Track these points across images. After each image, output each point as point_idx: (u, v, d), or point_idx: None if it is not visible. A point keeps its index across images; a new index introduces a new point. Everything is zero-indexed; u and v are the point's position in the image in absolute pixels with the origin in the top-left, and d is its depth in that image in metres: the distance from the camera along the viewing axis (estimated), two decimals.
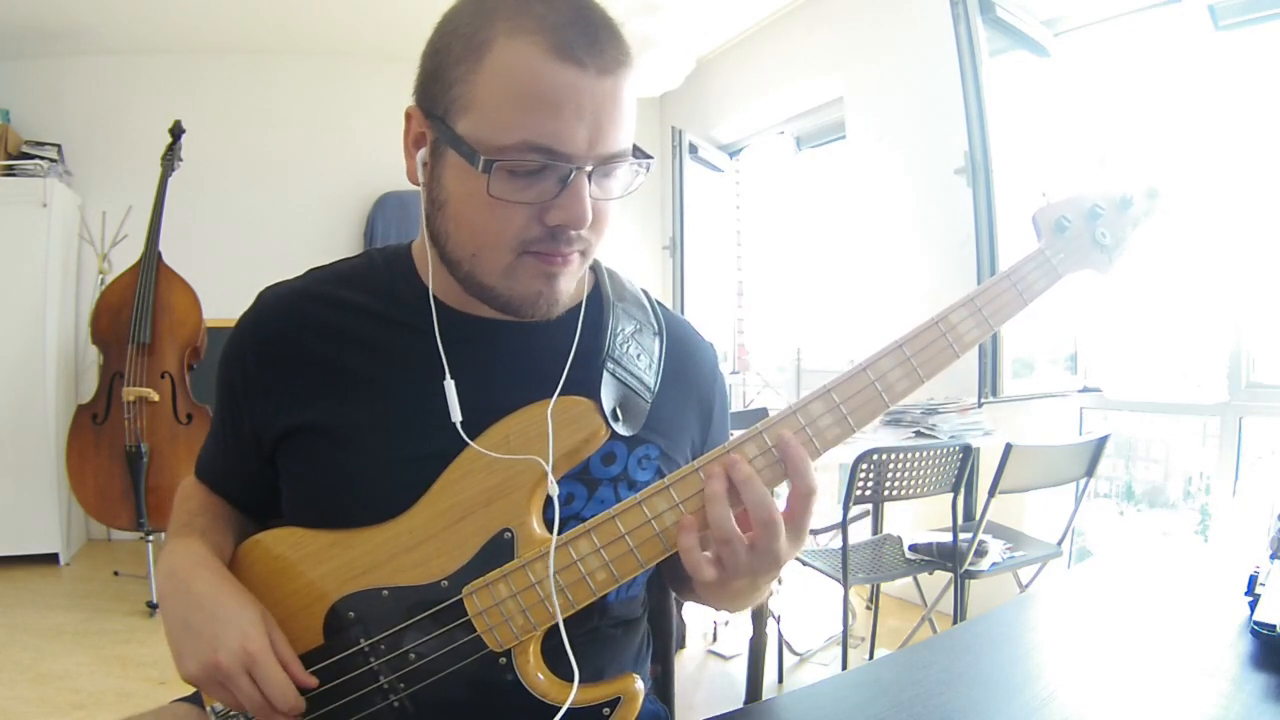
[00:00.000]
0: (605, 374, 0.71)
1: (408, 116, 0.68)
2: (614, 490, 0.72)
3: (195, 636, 0.64)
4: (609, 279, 0.80)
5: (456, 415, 0.67)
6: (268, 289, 0.77)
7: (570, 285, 0.69)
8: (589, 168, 0.62)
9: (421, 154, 0.67)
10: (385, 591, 0.66)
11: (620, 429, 0.70)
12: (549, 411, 0.66)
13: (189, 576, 0.67)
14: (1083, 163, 2.67)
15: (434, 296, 0.72)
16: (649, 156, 0.67)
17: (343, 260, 0.80)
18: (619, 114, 0.63)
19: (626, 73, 0.63)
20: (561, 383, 0.69)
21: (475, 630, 0.64)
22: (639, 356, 0.75)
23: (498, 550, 0.65)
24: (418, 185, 0.69)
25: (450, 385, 0.68)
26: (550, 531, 0.67)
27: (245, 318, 0.76)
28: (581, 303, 0.76)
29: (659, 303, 0.83)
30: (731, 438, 0.66)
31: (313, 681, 0.65)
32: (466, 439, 0.66)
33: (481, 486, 0.66)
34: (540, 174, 0.62)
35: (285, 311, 0.74)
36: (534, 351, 0.72)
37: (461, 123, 0.62)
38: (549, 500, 0.68)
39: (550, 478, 0.65)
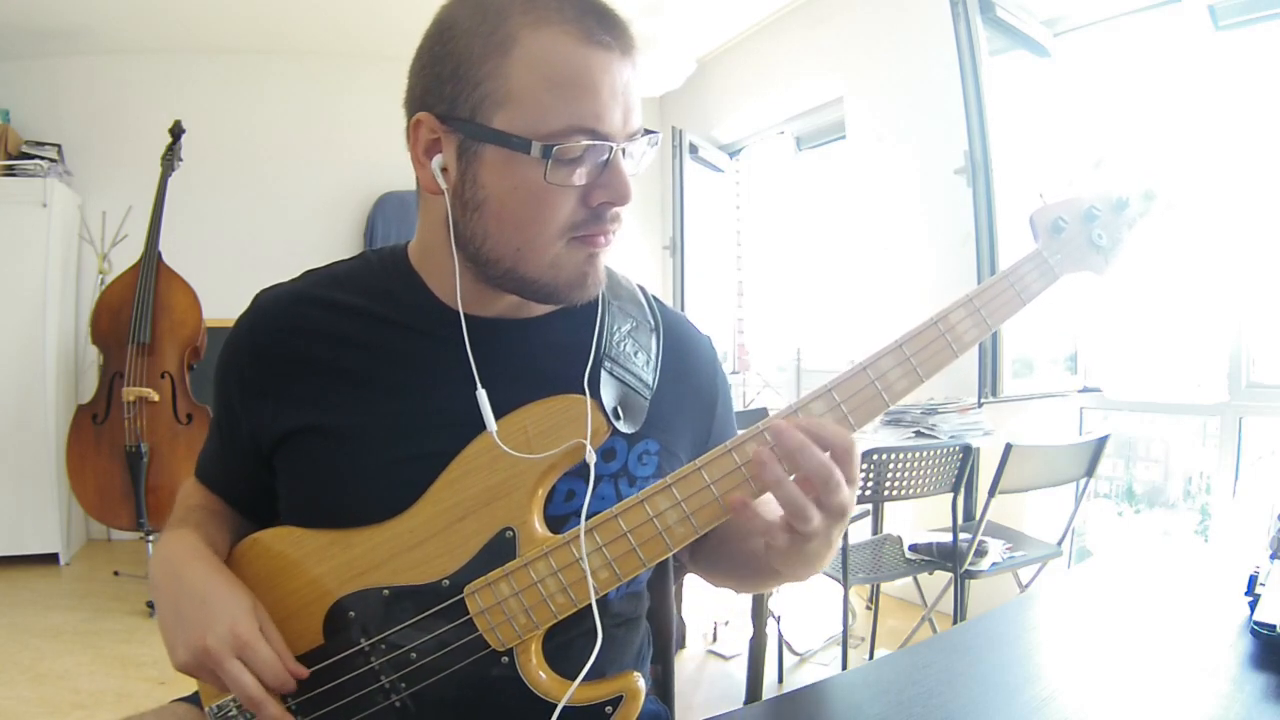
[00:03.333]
0: (603, 373, 0.72)
1: (416, 125, 0.67)
2: (614, 486, 0.72)
3: (186, 623, 0.64)
4: (607, 275, 0.80)
5: (492, 425, 0.67)
6: (263, 292, 0.77)
7: (607, 262, 0.72)
8: (624, 144, 0.65)
9: (437, 160, 0.66)
10: (386, 591, 0.66)
11: (622, 427, 0.70)
12: (585, 389, 0.68)
13: (181, 565, 0.68)
14: (1079, 164, 2.68)
15: (435, 299, 0.72)
16: (654, 131, 0.69)
17: (338, 262, 0.80)
18: (639, 91, 0.67)
19: (639, 51, 0.66)
20: (587, 374, 0.70)
21: (477, 629, 0.65)
22: (636, 354, 0.76)
23: (499, 549, 0.65)
24: (436, 193, 0.67)
25: (483, 394, 0.68)
26: (551, 530, 0.67)
27: (241, 321, 0.76)
28: (596, 300, 0.76)
29: (655, 298, 0.84)
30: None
31: (304, 672, 0.65)
32: (504, 447, 0.66)
33: (483, 485, 0.66)
34: (581, 158, 0.63)
35: (281, 314, 0.74)
36: (535, 349, 0.72)
37: (499, 117, 0.63)
38: (552, 498, 0.68)
39: (590, 451, 0.66)
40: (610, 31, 0.63)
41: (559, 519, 0.68)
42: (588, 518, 0.65)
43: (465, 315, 0.72)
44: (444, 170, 0.67)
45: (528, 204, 0.64)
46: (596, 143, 0.63)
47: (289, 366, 0.72)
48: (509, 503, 0.66)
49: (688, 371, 0.81)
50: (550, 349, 0.72)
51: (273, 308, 0.75)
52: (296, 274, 0.79)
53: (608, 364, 0.73)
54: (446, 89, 0.65)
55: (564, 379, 0.70)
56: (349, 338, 0.72)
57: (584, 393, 0.69)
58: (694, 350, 0.83)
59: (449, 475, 0.67)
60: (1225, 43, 2.39)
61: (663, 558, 0.64)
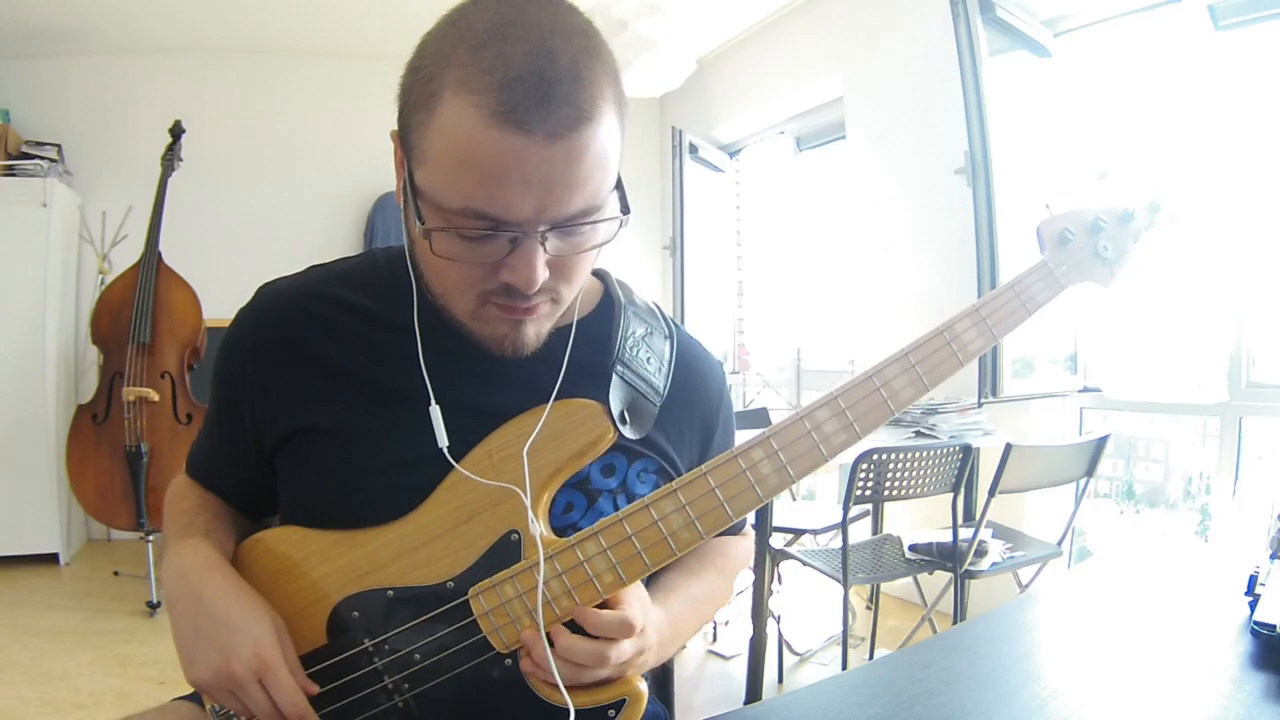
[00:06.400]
0: (614, 376, 0.71)
1: (393, 139, 0.66)
2: (612, 502, 0.73)
3: (207, 643, 0.63)
4: (619, 288, 0.80)
5: (443, 440, 0.67)
6: (266, 285, 0.76)
7: (544, 327, 0.68)
8: (541, 231, 0.59)
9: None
10: (390, 592, 0.66)
11: (628, 431, 0.70)
12: (526, 448, 0.66)
13: (199, 581, 0.66)
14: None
15: (432, 309, 0.72)
16: (627, 210, 0.63)
17: (344, 259, 0.79)
18: (578, 175, 0.58)
19: (588, 129, 0.57)
20: (552, 398, 0.68)
21: (481, 631, 0.65)
22: (649, 360, 0.75)
23: (504, 552, 0.65)
24: (400, 206, 0.67)
25: (436, 411, 0.68)
26: (557, 534, 0.67)
27: (244, 314, 0.75)
28: (573, 321, 0.75)
29: (671, 319, 0.83)
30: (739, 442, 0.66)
31: (314, 689, 0.65)
32: (455, 464, 0.66)
33: (487, 488, 0.66)
34: (484, 238, 0.59)
35: (285, 309, 0.73)
36: (536, 360, 0.70)
37: (418, 173, 0.61)
38: (551, 509, 0.68)
39: (529, 511, 0.65)
40: (539, 109, 0.55)
41: (558, 531, 0.68)
42: (580, 530, 0.65)
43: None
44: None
45: (436, 262, 0.63)
46: (496, 232, 0.59)
47: (292, 363, 0.71)
48: (514, 505, 0.66)
49: (695, 395, 0.80)
50: (552, 361, 0.71)
51: (276, 301, 0.74)
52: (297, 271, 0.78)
53: (620, 367, 0.72)
54: (400, 122, 0.63)
55: (571, 388, 0.69)
56: (353, 336, 0.72)
57: (588, 399, 0.68)
58: (704, 375, 0.82)
59: (454, 477, 0.67)
60: (1225, 43, 2.39)
61: (668, 561, 0.64)
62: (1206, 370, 2.40)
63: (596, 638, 0.63)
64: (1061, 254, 0.74)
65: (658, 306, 0.83)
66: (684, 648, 2.60)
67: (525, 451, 0.66)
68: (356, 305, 0.73)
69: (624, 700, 0.65)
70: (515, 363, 0.70)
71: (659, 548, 0.64)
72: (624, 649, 0.63)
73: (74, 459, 3.02)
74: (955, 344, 0.68)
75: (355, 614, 0.67)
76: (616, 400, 0.70)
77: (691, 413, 0.80)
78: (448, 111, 0.57)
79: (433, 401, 0.68)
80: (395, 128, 0.65)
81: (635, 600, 0.65)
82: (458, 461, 0.67)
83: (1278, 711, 0.68)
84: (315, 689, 0.65)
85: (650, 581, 0.75)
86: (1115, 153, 2.70)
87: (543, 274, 0.61)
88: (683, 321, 0.93)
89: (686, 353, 0.80)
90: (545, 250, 0.60)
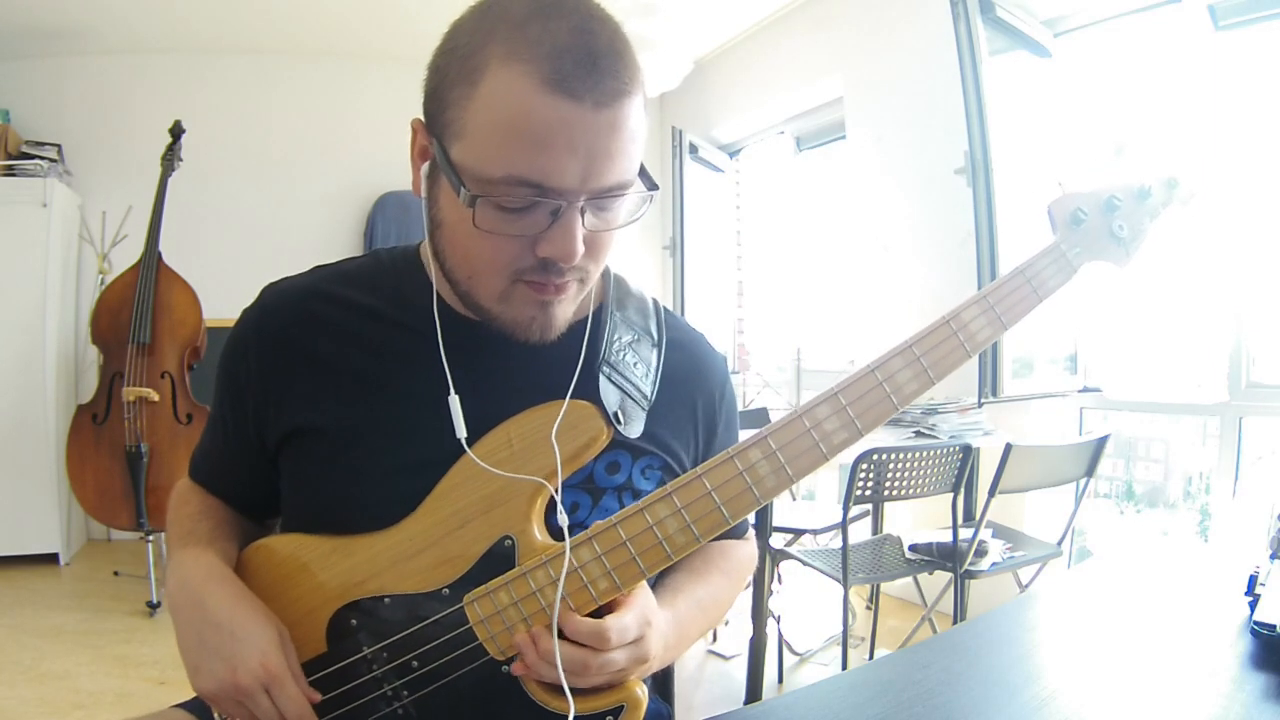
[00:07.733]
0: (602, 378, 0.71)
1: (414, 128, 0.66)
2: (618, 499, 0.72)
3: (212, 654, 0.63)
4: (615, 285, 0.79)
5: (461, 432, 0.67)
6: (271, 285, 0.76)
7: (568, 310, 0.68)
8: (581, 202, 0.60)
9: (425, 168, 0.66)
10: (387, 599, 0.66)
11: (624, 431, 0.70)
12: (554, 431, 0.65)
13: (203, 591, 0.66)
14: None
15: (441, 304, 0.72)
16: (655, 186, 0.65)
17: (349, 259, 0.79)
18: (617, 146, 0.60)
19: (628, 102, 0.59)
20: (569, 393, 0.68)
21: (477, 638, 0.64)
22: (635, 365, 0.75)
23: (499, 558, 0.65)
24: (420, 197, 0.67)
25: (455, 401, 0.68)
26: (552, 538, 0.66)
27: (249, 314, 0.75)
28: (588, 314, 0.75)
29: (668, 311, 0.82)
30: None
31: (317, 697, 0.65)
32: (472, 455, 0.66)
33: (481, 493, 0.66)
34: (531, 207, 0.60)
35: (290, 309, 0.73)
36: (539, 358, 0.71)
37: (455, 148, 0.61)
38: (552, 506, 0.68)
39: (558, 494, 0.65)
40: (587, 79, 0.57)
41: (561, 531, 0.68)
42: (588, 528, 0.64)
43: (472, 320, 0.71)
44: (427, 179, 0.66)
45: (471, 240, 0.63)
46: (539, 200, 0.59)
47: (296, 363, 0.71)
48: (507, 511, 0.66)
49: (693, 389, 0.80)
50: (555, 359, 0.71)
51: (281, 301, 0.74)
52: (301, 270, 0.78)
53: (606, 369, 0.72)
54: (430, 104, 0.64)
55: (561, 387, 0.69)
56: (357, 337, 0.72)
57: (586, 395, 0.68)
58: (703, 369, 0.82)
59: (448, 482, 0.67)
60: (1225, 43, 2.39)
61: (664, 566, 0.64)
62: (1206, 370, 2.40)
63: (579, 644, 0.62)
64: (1074, 235, 0.70)
65: (655, 303, 0.82)
66: None
67: (553, 436, 0.66)
68: (361, 305, 0.73)
69: (622, 707, 0.64)
70: (520, 361, 0.70)
71: (654, 553, 0.63)
72: (613, 658, 0.62)
73: (74, 459, 3.02)
74: (963, 334, 0.65)
75: (353, 621, 0.67)
76: (610, 401, 0.70)
77: (690, 408, 0.79)
78: (495, 82, 0.58)
79: (452, 391, 0.68)
80: (416, 116, 0.65)
81: (632, 608, 0.64)
82: (467, 449, 0.67)
83: (1278, 711, 0.68)
84: (318, 697, 0.65)
85: (655, 583, 0.75)
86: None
87: (581, 247, 0.61)
88: None
89: (681, 352, 0.80)
90: (583, 224, 0.61)
